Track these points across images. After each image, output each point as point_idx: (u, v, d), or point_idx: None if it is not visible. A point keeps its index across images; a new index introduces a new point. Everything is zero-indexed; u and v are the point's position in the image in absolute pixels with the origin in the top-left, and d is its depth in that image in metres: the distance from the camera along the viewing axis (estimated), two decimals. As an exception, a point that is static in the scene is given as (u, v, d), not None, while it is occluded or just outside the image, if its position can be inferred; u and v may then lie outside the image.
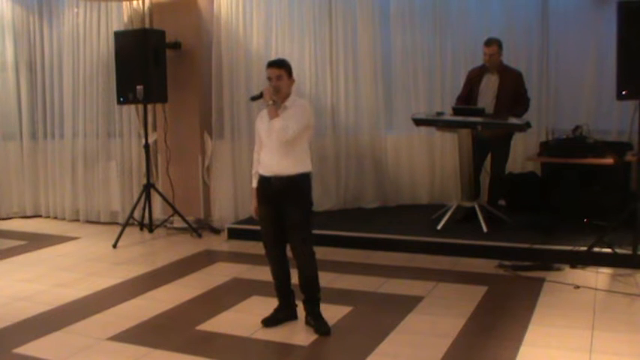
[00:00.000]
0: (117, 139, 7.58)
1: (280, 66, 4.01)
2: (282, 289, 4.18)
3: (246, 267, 5.59)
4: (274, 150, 3.97)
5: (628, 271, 4.96)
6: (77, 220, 7.86)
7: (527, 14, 6.77)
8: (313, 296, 4.08)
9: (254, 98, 4.11)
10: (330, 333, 3.99)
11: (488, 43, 6.08)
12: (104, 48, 7.50)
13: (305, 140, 4.03)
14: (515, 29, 6.78)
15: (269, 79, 3.98)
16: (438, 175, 7.27)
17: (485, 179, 6.48)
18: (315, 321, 4.05)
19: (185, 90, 7.06)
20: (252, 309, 4.45)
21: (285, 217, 3.98)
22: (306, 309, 4.11)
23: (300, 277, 4.07)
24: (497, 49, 6.06)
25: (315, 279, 4.06)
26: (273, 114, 3.92)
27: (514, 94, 6.08)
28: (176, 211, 6.94)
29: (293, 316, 4.20)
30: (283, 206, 3.97)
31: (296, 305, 4.22)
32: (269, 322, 4.15)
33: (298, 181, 3.99)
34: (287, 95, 4.00)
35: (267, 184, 4.02)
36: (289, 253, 4.12)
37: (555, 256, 5.24)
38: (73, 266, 5.84)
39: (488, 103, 6.11)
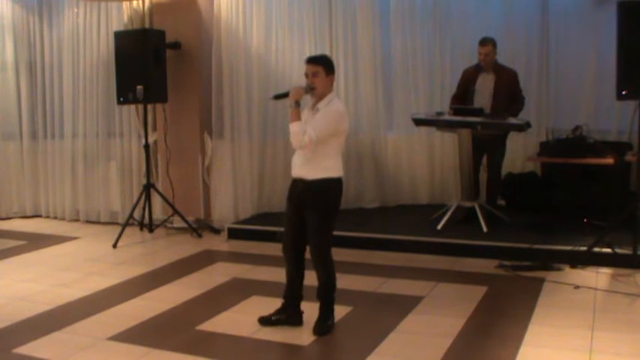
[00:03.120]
0: (117, 139, 7.58)
1: (318, 62, 3.90)
2: (291, 291, 4.11)
3: (246, 267, 5.59)
4: (299, 152, 3.92)
5: (628, 271, 4.96)
6: (77, 220, 7.86)
7: (527, 14, 6.77)
8: (323, 301, 4.03)
9: (278, 97, 3.97)
10: (324, 334, 3.96)
11: (483, 42, 6.09)
12: (104, 48, 7.50)
13: (331, 146, 3.87)
14: (515, 29, 6.79)
15: (306, 75, 3.88)
16: (438, 175, 7.27)
17: (482, 178, 6.48)
18: (317, 321, 4.02)
19: (185, 90, 7.05)
20: (252, 309, 4.45)
21: (308, 221, 3.94)
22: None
23: (318, 282, 4.02)
24: (492, 48, 6.08)
25: (326, 284, 4.00)
26: (294, 117, 3.82)
27: (510, 92, 6.09)
28: (176, 211, 6.93)
29: (297, 322, 4.12)
30: (305, 210, 3.93)
31: (302, 312, 4.14)
32: (265, 321, 4.12)
33: (318, 187, 3.88)
34: (323, 95, 3.89)
35: (294, 184, 4.00)
36: (303, 256, 4.10)
37: (555, 256, 5.24)
38: (72, 266, 5.84)
39: (485, 102, 6.12)
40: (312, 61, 3.91)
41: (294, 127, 3.80)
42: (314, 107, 3.92)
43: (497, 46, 6.12)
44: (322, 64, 3.89)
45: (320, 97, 3.89)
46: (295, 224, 3.99)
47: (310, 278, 4.12)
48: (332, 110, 3.88)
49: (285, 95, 3.92)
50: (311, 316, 4.10)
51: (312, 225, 3.92)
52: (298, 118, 3.82)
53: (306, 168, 3.90)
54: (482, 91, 6.17)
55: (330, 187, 3.92)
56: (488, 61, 6.10)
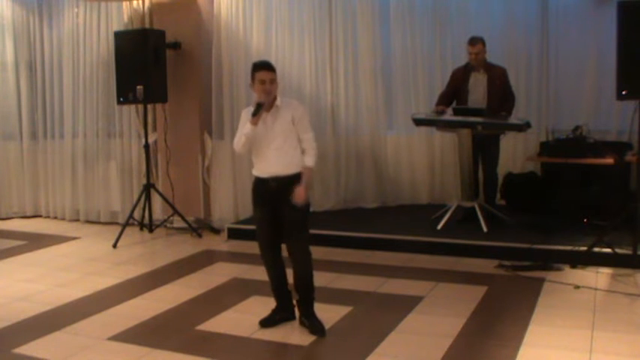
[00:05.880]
0: (117, 139, 7.58)
1: (274, 69, 3.99)
2: (279, 290, 4.17)
3: (246, 267, 5.59)
4: (270, 151, 3.95)
5: (628, 271, 4.96)
6: (77, 220, 7.86)
7: (527, 14, 6.78)
8: (307, 296, 4.07)
9: (256, 113, 3.92)
10: (324, 333, 3.98)
11: (473, 42, 6.07)
12: (104, 48, 7.50)
13: (296, 140, 4.02)
14: (515, 29, 6.79)
15: (262, 82, 3.91)
16: (438, 175, 7.27)
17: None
18: (309, 321, 4.04)
19: (185, 90, 7.06)
20: (252, 309, 4.45)
21: (283, 216, 3.97)
22: (299, 309, 4.11)
23: (294, 277, 4.05)
24: (482, 47, 6.07)
25: (310, 279, 4.05)
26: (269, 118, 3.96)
27: (502, 90, 6.09)
28: (176, 211, 6.93)
29: (291, 317, 4.20)
30: (281, 206, 3.95)
31: (294, 305, 4.21)
32: (267, 322, 4.14)
33: (297, 180, 3.97)
34: (275, 96, 3.99)
35: (263, 185, 4.00)
36: (282, 255, 4.12)
37: (555, 256, 5.25)
38: (73, 266, 5.85)
39: (480, 100, 6.11)
40: (270, 68, 3.98)
41: (312, 149, 4.04)
42: (270, 108, 3.96)
43: (486, 44, 6.11)
44: (275, 70, 4.01)
45: (273, 100, 3.98)
46: (271, 225, 4.02)
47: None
48: (300, 106, 4.10)
49: (260, 107, 3.91)
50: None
51: (294, 219, 3.96)
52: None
53: (281, 165, 3.94)
54: (476, 91, 6.16)
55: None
56: (479, 61, 6.10)
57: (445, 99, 6.28)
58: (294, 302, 4.15)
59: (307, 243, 4.05)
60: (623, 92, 4.87)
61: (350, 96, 7.20)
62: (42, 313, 4.55)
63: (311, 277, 4.05)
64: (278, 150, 3.94)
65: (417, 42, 7.07)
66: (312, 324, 4.03)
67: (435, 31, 7.05)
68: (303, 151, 4.02)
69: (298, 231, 4.00)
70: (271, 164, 3.96)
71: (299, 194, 3.91)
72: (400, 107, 7.20)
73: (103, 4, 7.46)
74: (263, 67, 3.97)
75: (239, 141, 4.02)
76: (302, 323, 4.09)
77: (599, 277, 4.91)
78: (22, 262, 6.05)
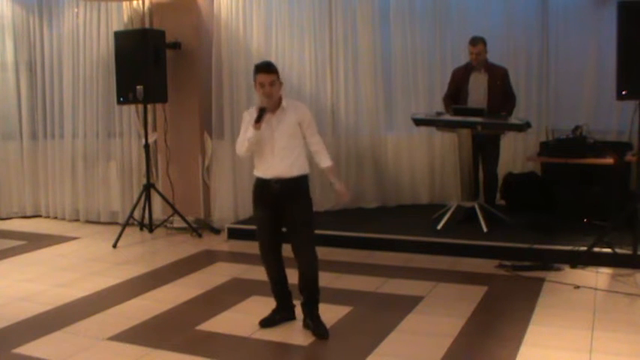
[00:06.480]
0: (117, 139, 7.58)
1: (272, 71, 3.87)
2: (279, 290, 4.16)
3: (246, 267, 5.59)
4: (274, 152, 3.92)
5: (628, 271, 4.96)
6: (77, 220, 7.86)
7: (527, 14, 6.77)
8: (312, 297, 4.05)
9: (259, 119, 3.82)
10: (328, 336, 3.97)
11: (474, 42, 6.09)
12: (104, 48, 7.50)
13: (302, 140, 4.01)
14: (515, 29, 6.79)
15: (262, 85, 3.81)
16: (438, 175, 7.27)
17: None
18: (314, 323, 4.03)
19: (185, 90, 7.06)
20: (252, 309, 4.45)
21: (290, 217, 3.94)
22: (304, 311, 4.09)
23: (300, 279, 4.02)
24: (483, 47, 6.09)
25: (316, 281, 4.03)
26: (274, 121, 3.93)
27: (503, 90, 6.10)
28: (176, 211, 6.93)
29: (291, 317, 4.20)
30: (285, 208, 3.92)
31: (294, 305, 4.21)
32: (267, 322, 4.14)
33: (300, 182, 3.96)
34: (279, 98, 3.92)
35: (266, 186, 3.97)
36: (282, 255, 4.11)
37: (555, 256, 5.25)
38: (73, 266, 5.85)
39: (480, 101, 6.12)
40: (268, 70, 3.86)
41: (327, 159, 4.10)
42: (276, 109, 3.91)
43: (487, 44, 6.11)
44: (276, 72, 3.90)
45: (278, 102, 3.91)
46: (273, 226, 4.01)
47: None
48: (307, 109, 4.08)
49: (263, 112, 3.84)
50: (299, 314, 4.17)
51: (302, 219, 3.94)
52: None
53: (285, 166, 3.91)
54: (476, 91, 6.17)
55: (308, 181, 4.06)
56: (479, 61, 6.11)
57: (451, 100, 6.28)
58: (299, 304, 4.13)
59: (314, 244, 4.01)
60: (623, 92, 4.88)
61: (350, 96, 7.20)
62: (42, 313, 4.55)
63: (317, 279, 4.01)
64: (282, 151, 3.89)
65: (417, 42, 7.07)
66: (317, 326, 4.00)
67: (435, 31, 7.04)
68: (316, 153, 4.03)
69: (307, 231, 3.96)
70: (275, 165, 3.92)
71: (342, 191, 4.08)
72: (400, 107, 7.20)
73: (103, 4, 7.46)
74: (262, 69, 3.86)
75: (242, 145, 3.96)
76: (306, 325, 4.07)
77: (599, 277, 4.91)
78: (22, 262, 6.05)
